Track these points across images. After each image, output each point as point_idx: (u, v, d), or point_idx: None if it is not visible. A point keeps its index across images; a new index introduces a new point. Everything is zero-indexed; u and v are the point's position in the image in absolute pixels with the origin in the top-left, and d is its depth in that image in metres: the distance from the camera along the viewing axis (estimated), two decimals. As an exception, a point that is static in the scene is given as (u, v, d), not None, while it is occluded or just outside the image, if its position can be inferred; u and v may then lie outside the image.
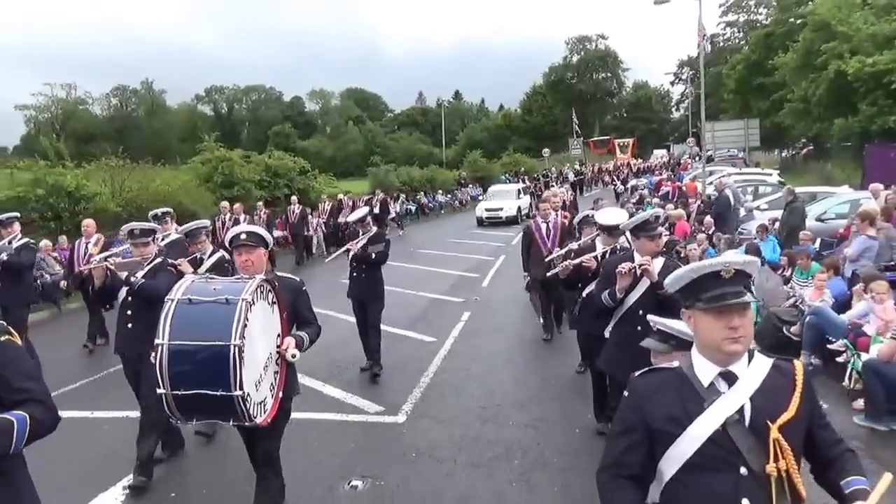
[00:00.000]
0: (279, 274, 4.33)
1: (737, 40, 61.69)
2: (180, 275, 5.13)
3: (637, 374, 2.32)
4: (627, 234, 4.99)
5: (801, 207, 11.72)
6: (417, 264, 16.76)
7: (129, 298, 5.31)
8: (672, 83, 78.55)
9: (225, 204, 15.81)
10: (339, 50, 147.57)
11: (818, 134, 31.19)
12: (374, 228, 8.11)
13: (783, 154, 46.45)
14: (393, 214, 27.25)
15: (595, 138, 54.86)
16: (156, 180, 21.26)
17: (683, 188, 22.02)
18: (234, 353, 3.40)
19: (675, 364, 2.27)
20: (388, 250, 8.02)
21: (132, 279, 5.30)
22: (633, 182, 32.41)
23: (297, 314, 4.21)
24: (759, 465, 2.03)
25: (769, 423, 2.05)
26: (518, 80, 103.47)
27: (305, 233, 19.75)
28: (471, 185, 42.05)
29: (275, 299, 3.94)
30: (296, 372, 4.28)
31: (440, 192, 38.34)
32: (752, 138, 35.61)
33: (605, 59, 78.26)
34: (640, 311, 4.41)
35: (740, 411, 2.08)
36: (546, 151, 52.70)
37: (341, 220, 20.55)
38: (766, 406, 2.08)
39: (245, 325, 3.47)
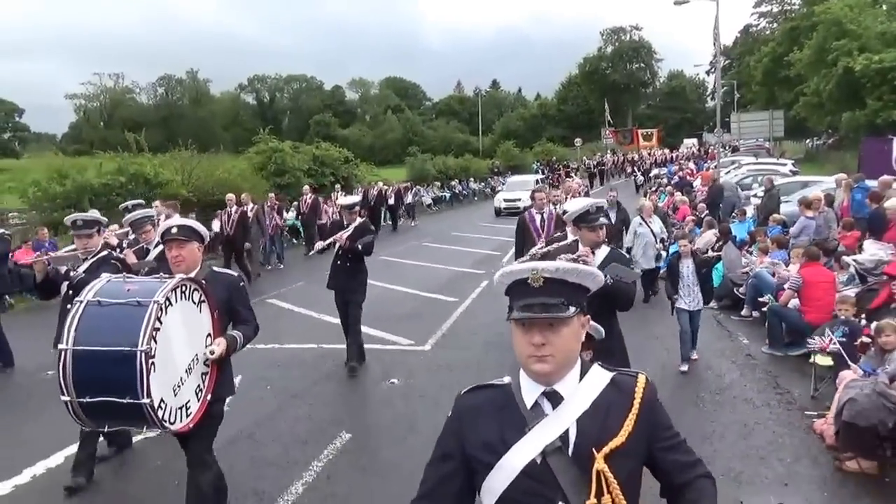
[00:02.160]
0: (216, 269, 4.14)
1: (770, 31, 62.11)
2: (127, 268, 5.16)
3: (464, 390, 2.03)
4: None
5: (776, 195, 13.61)
6: (448, 244, 19.07)
7: (71, 293, 4.97)
8: (708, 72, 79.11)
9: (231, 196, 14.85)
10: (379, 39, 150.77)
11: (830, 126, 32.56)
12: (360, 219, 7.98)
13: (809, 144, 47.44)
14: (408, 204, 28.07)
15: (616, 128, 55.57)
16: (219, 169, 23.94)
17: (688, 177, 23.72)
18: (141, 359, 3.23)
19: (507, 380, 1.97)
20: (373, 241, 7.88)
21: (72, 273, 5.17)
22: (654, 171, 33.97)
23: (232, 312, 4.05)
24: (579, 501, 1.76)
25: (595, 451, 1.78)
26: (556, 68, 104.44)
27: (318, 221, 19.37)
28: (509, 174, 43.93)
29: (203, 298, 3.77)
30: (231, 373, 4.16)
31: (472, 179, 40.57)
32: (777, 128, 36.99)
33: (639, 51, 79.14)
34: None
35: (564, 437, 1.81)
36: (578, 141, 54.40)
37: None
38: (593, 431, 1.81)
39: (157, 329, 3.34)
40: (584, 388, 1.87)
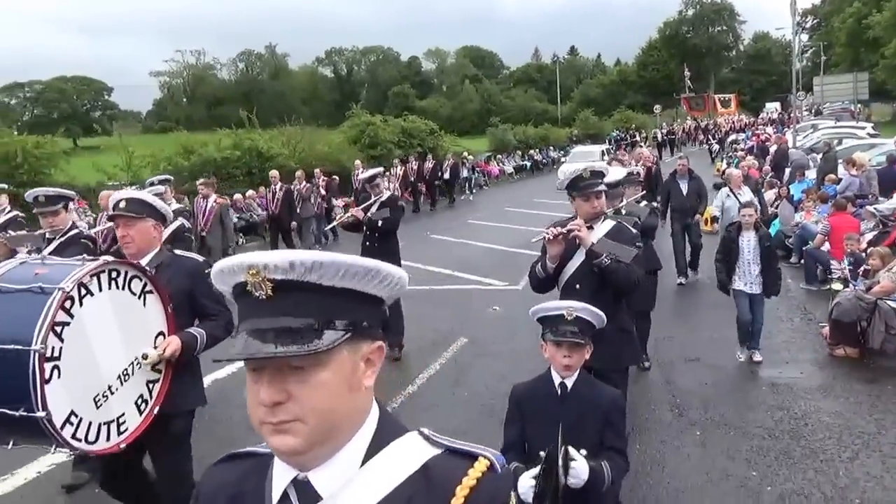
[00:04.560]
0: (178, 253, 3.61)
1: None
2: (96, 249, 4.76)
3: (215, 462, 1.28)
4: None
5: (833, 157, 14.83)
6: (527, 209, 21.01)
7: None
8: (795, 33, 76.54)
9: (275, 173, 14.22)
10: (455, 8, 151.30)
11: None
12: (387, 192, 7.54)
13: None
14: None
15: (687, 95, 54.22)
16: (319, 142, 26.55)
17: (764, 142, 24.53)
18: (34, 360, 2.59)
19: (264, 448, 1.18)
20: (398, 217, 7.29)
21: (31, 256, 4.66)
22: (732, 137, 34.31)
23: (196, 305, 3.44)
24: None
25: None
26: (636, 33, 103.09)
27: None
28: (588, 142, 44.91)
29: (148, 287, 3.16)
30: (198, 379, 3.58)
31: (552, 148, 42.06)
32: (861, 91, 36.53)
33: (721, 13, 77.34)
34: (578, 286, 3.90)
35: None
36: (657, 108, 54.44)
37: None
38: None
39: (63, 324, 2.73)
40: (364, 483, 1.08)
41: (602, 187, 3.99)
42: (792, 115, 43.37)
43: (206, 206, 10.39)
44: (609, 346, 3.56)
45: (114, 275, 3.01)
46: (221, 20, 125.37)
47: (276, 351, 1.03)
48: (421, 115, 38.24)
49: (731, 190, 9.87)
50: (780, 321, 8.09)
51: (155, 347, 3.14)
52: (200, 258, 3.74)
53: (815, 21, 65.82)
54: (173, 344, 3.16)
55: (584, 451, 2.69)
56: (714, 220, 10.02)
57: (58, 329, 2.71)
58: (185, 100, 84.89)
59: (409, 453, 1.14)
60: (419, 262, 12.91)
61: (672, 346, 7.20)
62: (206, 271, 3.34)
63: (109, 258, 3.12)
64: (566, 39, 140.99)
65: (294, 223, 13.43)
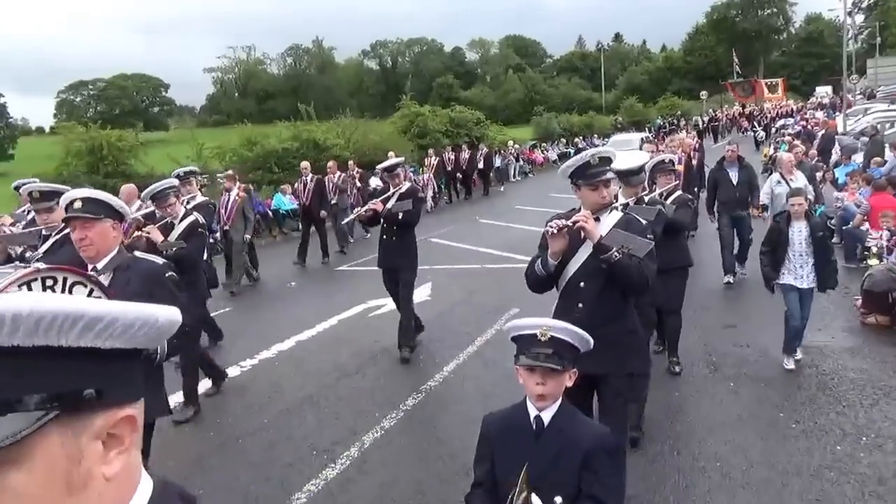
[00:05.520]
0: (138, 255, 3.47)
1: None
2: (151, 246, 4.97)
3: None
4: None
5: (879, 140, 15.01)
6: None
7: None
8: (850, 13, 74.40)
9: (305, 164, 13.69)
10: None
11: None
12: (407, 183, 7.18)
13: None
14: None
15: (732, 81, 53.05)
16: (371, 133, 27.52)
17: (812, 127, 24.47)
18: None
19: None
20: (419, 209, 7.08)
21: (28, 255, 4.64)
22: (780, 122, 33.99)
23: None
24: None
25: None
26: (682, 18, 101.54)
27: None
28: (632, 130, 44.97)
29: (96, 294, 2.89)
30: (158, 390, 3.40)
31: (596, 136, 42.28)
32: (918, 74, 35.77)
33: (771, -5, 75.86)
34: (582, 284, 3.59)
35: None
36: (704, 94, 53.79)
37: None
38: None
39: None
40: None
41: (610, 175, 3.66)
42: (843, 98, 42.66)
43: (229, 199, 10.74)
44: (614, 348, 3.37)
45: (49, 283, 2.75)
46: (270, 16, 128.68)
47: None
48: (465, 106, 38.89)
49: (781, 176, 9.31)
50: (817, 294, 8.57)
51: None
52: (160, 261, 3.50)
53: (870, 1, 63.92)
54: None
55: (558, 499, 2.37)
56: (764, 208, 9.17)
57: None
58: (236, 94, 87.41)
59: None
60: (471, 244, 13.67)
61: (710, 315, 7.80)
62: (167, 275, 3.33)
63: (42, 265, 2.84)
64: (611, 26, 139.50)
65: (323, 212, 12.99)
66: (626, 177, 5.17)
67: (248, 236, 10.90)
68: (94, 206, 3.19)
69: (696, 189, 11.75)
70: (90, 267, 3.18)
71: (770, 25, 77.06)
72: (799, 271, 5.96)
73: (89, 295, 2.78)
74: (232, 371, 6.84)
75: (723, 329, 7.36)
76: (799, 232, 5.95)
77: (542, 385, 2.46)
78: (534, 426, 2.51)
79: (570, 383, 2.55)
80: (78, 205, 3.16)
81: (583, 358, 2.66)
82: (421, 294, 9.91)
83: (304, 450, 5.09)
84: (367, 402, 5.97)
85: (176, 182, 6.35)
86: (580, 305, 3.55)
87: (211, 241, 9.44)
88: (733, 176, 9.28)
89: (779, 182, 9.23)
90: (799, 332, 6.13)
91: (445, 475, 4.56)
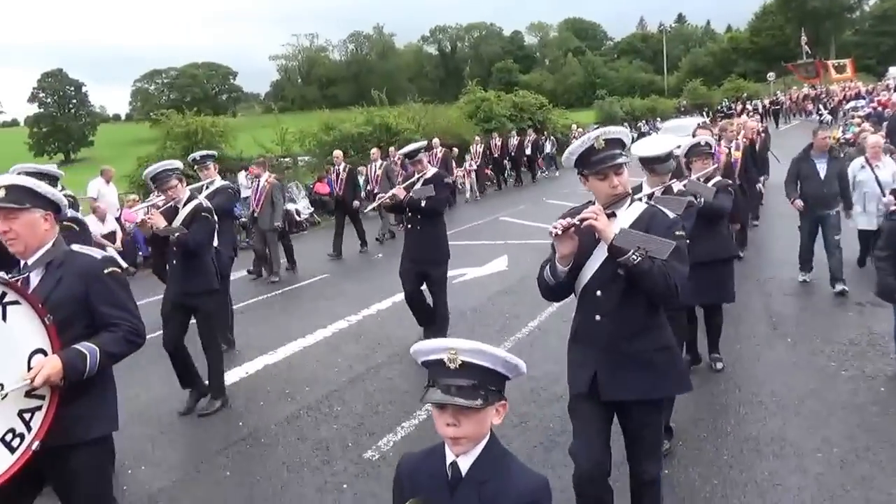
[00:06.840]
0: (75, 249, 2.99)
1: None
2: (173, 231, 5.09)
3: None
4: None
5: (951, 121, 15.07)
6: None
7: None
8: (930, -11, 71.17)
9: (338, 153, 13.84)
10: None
11: None
12: (432, 169, 6.77)
13: None
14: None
15: (796, 63, 50.78)
16: (440, 117, 28.52)
17: (884, 109, 24.14)
18: None
19: None
20: (444, 195, 6.64)
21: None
22: (850, 104, 33.23)
23: (91, 313, 2.86)
24: None
25: None
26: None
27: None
28: (696, 113, 44.64)
29: (12, 298, 2.62)
30: (107, 402, 3.00)
31: (659, 119, 42.25)
32: None
33: (844, -28, 73.06)
34: (599, 293, 3.04)
35: None
36: (771, 75, 52.77)
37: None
38: None
39: None
40: None
41: (623, 159, 2.96)
42: (920, 79, 41.20)
43: (259, 186, 10.80)
44: (642, 369, 2.90)
45: None
46: (333, 3, 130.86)
47: None
48: (524, 89, 39.46)
49: (866, 160, 8.24)
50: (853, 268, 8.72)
51: (29, 369, 2.61)
52: (99, 255, 3.03)
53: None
54: (48, 367, 2.60)
55: None
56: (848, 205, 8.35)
57: None
58: (299, 80, 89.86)
59: None
60: (539, 222, 14.51)
61: (773, 284, 8.48)
62: (106, 270, 2.93)
63: None
64: (673, 7, 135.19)
65: (356, 203, 12.93)
66: (651, 164, 4.55)
67: (278, 224, 10.84)
68: (19, 195, 2.82)
69: (761, 178, 11.66)
70: (22, 263, 2.92)
71: (842, 3, 74.30)
72: None
73: (2, 297, 2.61)
74: (269, 358, 7.06)
75: (784, 296, 8.02)
76: None
77: (455, 426, 1.90)
78: (448, 475, 1.98)
79: (497, 420, 1.97)
80: (1, 193, 2.80)
81: (603, 381, 2.49)
82: (499, 265, 10.88)
83: (342, 436, 5.17)
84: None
85: (178, 164, 5.88)
86: (598, 318, 3.01)
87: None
88: (821, 168, 7.87)
89: (862, 167, 8.24)
90: None
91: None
